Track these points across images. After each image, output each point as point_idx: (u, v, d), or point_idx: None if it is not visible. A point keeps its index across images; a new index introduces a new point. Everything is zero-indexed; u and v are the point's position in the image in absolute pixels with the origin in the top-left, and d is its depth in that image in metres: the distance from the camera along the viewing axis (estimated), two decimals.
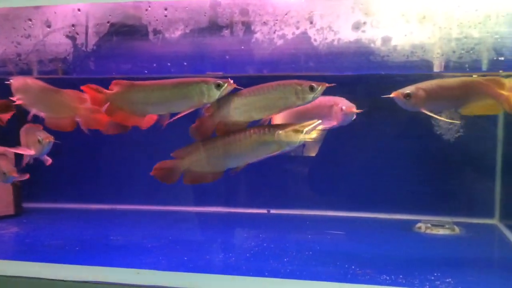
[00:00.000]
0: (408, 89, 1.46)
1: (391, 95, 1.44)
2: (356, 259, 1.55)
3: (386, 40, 1.43)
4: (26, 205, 2.22)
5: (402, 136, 1.86)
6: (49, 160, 1.64)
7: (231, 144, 1.47)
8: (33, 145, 1.59)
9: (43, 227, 1.99)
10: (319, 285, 1.34)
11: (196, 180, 1.52)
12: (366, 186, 2.10)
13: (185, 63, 1.52)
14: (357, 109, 1.52)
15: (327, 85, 1.37)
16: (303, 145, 2.15)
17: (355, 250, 1.67)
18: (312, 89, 1.40)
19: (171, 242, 1.77)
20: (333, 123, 1.57)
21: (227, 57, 1.50)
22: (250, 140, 1.45)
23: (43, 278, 1.42)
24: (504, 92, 1.51)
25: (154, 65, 1.52)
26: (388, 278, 1.39)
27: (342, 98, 1.55)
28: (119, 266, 1.46)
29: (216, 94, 1.43)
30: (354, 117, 1.54)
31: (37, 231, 1.92)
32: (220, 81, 1.42)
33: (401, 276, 1.39)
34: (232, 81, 1.41)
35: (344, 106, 1.53)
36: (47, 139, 1.57)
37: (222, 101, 1.44)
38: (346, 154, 2.09)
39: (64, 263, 1.49)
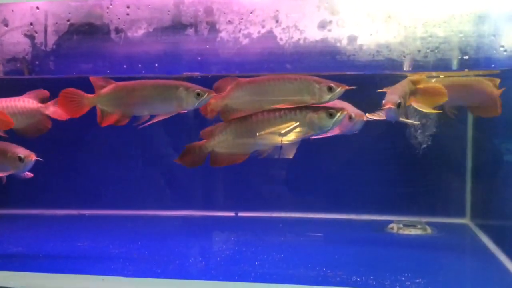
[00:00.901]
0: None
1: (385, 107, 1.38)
2: (327, 261, 1.54)
3: (352, 39, 1.42)
4: None
5: (374, 137, 1.86)
6: (30, 175, 1.60)
7: (259, 124, 1.42)
8: (13, 163, 1.53)
9: (8, 234, 1.92)
10: None
11: (222, 162, 1.46)
12: (338, 187, 2.10)
13: (148, 63, 1.49)
14: None
15: (347, 87, 1.33)
16: (280, 146, 2.14)
17: (327, 252, 1.66)
18: (330, 89, 1.35)
19: (139, 248, 1.73)
20: (337, 131, 1.48)
21: (191, 56, 1.47)
22: (280, 121, 1.39)
23: (5, 287, 1.36)
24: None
25: (116, 64, 1.48)
26: (359, 279, 1.38)
27: (349, 104, 1.47)
28: (84, 273, 1.42)
29: (196, 102, 1.40)
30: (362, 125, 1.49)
31: (2, 237, 1.85)
32: (199, 90, 1.39)
33: (371, 277, 1.39)
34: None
35: (354, 114, 1.45)
36: (29, 157, 1.52)
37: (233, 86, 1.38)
38: (319, 156, 2.08)
39: (27, 271, 1.45)
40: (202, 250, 1.74)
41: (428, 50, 1.42)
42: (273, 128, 1.41)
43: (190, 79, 1.48)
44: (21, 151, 1.51)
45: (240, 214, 2.17)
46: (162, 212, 2.23)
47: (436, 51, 1.42)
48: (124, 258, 1.59)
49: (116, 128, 1.52)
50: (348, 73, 1.49)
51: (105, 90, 1.39)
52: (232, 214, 2.17)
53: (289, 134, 1.42)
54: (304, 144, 2.07)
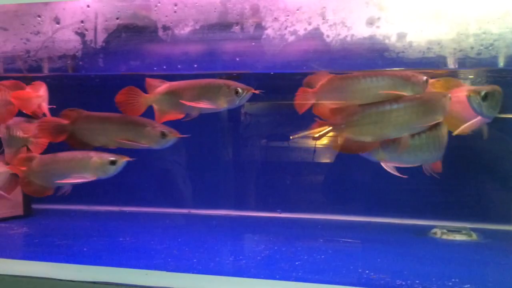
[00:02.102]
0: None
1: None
2: (370, 264, 1.50)
3: (401, 36, 1.39)
4: (35, 206, 2.21)
5: None
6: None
7: (392, 112, 1.40)
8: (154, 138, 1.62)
9: (52, 228, 1.98)
10: None
11: (352, 149, 1.50)
12: (380, 191, 2.06)
13: (195, 61, 1.50)
14: None
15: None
16: (314, 150, 2.13)
17: (369, 255, 1.62)
18: (426, 81, 1.35)
19: (180, 244, 1.74)
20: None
21: (237, 54, 1.47)
22: (416, 105, 1.37)
23: (52, 278, 1.40)
24: None
25: (163, 62, 1.50)
26: (404, 283, 1.34)
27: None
28: (128, 267, 1.44)
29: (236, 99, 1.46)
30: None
31: (46, 231, 1.91)
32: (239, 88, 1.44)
33: (417, 282, 1.35)
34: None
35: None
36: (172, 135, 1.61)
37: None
38: (362, 159, 2.06)
39: (73, 263, 1.48)
40: (241, 248, 1.74)
41: (481, 47, 1.37)
42: (408, 113, 1.38)
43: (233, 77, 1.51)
44: (164, 128, 1.58)
45: (281, 215, 2.17)
46: (200, 211, 2.25)
47: (490, 48, 1.37)
48: (165, 254, 1.60)
49: None
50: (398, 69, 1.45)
51: (159, 89, 1.46)
52: (271, 214, 2.17)
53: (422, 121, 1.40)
54: None
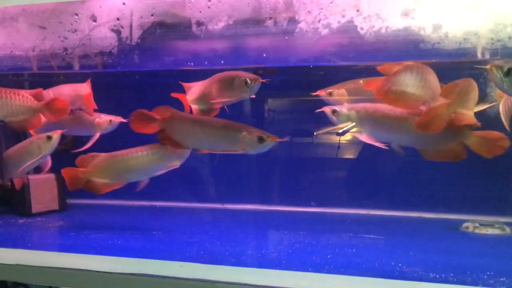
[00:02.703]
0: None
1: None
2: (402, 257, 1.50)
3: (437, 27, 1.37)
4: (69, 201, 2.27)
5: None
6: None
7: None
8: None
9: (86, 222, 2.02)
10: (368, 281, 1.30)
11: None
12: (411, 185, 2.05)
13: (227, 56, 1.52)
14: None
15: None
16: (338, 146, 2.13)
17: (401, 249, 1.61)
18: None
19: (211, 237, 1.77)
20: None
21: (270, 48, 1.48)
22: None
23: (90, 270, 1.44)
24: None
25: (197, 57, 1.52)
26: (437, 276, 1.33)
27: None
28: (162, 259, 1.47)
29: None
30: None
31: (81, 225, 1.95)
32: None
33: (451, 275, 1.34)
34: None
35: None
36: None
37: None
38: (391, 152, 2.04)
39: (108, 255, 1.52)
40: (272, 242, 1.75)
41: None
42: None
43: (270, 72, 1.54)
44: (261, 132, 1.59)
45: (309, 210, 2.17)
46: (229, 205, 2.27)
47: None
48: (198, 247, 1.62)
49: None
50: (434, 60, 1.44)
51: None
52: (299, 209, 2.19)
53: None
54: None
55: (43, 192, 2.11)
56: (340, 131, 2.11)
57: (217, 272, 1.38)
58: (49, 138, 1.69)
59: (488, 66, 1.29)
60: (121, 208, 2.32)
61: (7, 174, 1.82)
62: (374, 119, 1.51)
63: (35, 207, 2.09)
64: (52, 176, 2.14)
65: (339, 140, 2.14)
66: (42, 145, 1.71)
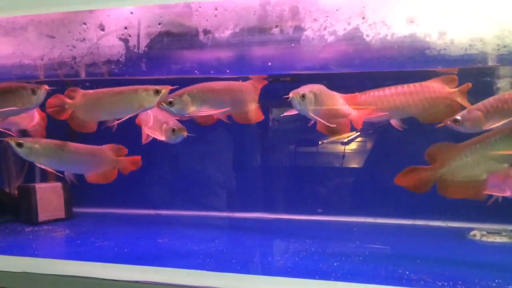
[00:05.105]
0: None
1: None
2: (409, 265, 1.49)
3: (442, 33, 1.38)
4: (75, 209, 2.28)
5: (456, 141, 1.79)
6: None
7: (496, 144, 1.35)
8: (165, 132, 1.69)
9: (93, 230, 2.03)
10: None
11: (454, 192, 1.43)
12: (417, 193, 2.04)
13: (234, 64, 1.53)
14: None
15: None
16: (343, 155, 2.13)
17: (408, 257, 1.60)
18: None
19: (217, 245, 1.77)
20: None
21: (276, 56, 1.49)
22: None
23: (97, 278, 1.44)
24: None
25: (204, 65, 1.53)
26: (446, 284, 1.32)
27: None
28: (169, 267, 1.46)
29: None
30: None
31: (87, 233, 1.96)
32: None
33: (459, 282, 1.33)
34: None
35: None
36: (182, 131, 1.67)
37: None
38: (399, 161, 2.05)
39: (116, 263, 1.52)
40: (278, 250, 1.75)
41: None
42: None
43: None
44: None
45: (315, 218, 2.17)
46: (235, 214, 2.28)
47: None
48: (204, 255, 1.62)
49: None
50: (440, 68, 1.45)
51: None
52: (305, 217, 2.18)
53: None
54: (384, 149, 2.06)
55: (50, 201, 2.12)
56: (345, 140, 2.13)
57: (225, 279, 1.37)
58: (34, 91, 1.62)
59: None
60: (126, 216, 2.33)
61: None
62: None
63: (42, 216, 2.10)
64: (58, 184, 2.15)
65: (344, 149, 2.15)
66: (27, 97, 1.63)
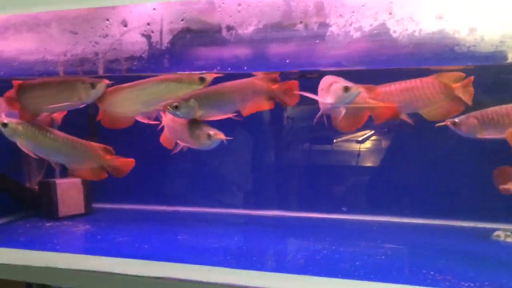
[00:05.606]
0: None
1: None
2: (433, 266, 1.47)
3: (472, 30, 1.34)
4: (95, 205, 2.30)
5: (481, 139, 1.76)
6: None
7: None
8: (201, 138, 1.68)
9: (113, 225, 2.04)
10: None
11: None
12: (440, 193, 2.02)
13: (257, 60, 1.52)
14: None
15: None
16: (358, 154, 2.11)
17: (431, 257, 1.58)
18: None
19: (236, 243, 1.76)
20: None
21: (301, 52, 1.47)
22: None
23: (118, 273, 1.44)
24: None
25: (227, 61, 1.52)
26: (472, 284, 1.30)
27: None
28: (189, 263, 1.46)
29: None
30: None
31: (107, 229, 1.97)
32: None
33: (486, 283, 1.31)
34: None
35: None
36: (217, 136, 1.65)
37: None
38: (420, 159, 2.03)
39: (136, 259, 1.52)
40: (298, 248, 1.73)
41: None
42: None
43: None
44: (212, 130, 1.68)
45: (335, 216, 2.15)
46: (252, 211, 2.27)
47: None
48: (224, 252, 1.62)
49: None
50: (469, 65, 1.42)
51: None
52: (325, 215, 2.17)
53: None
54: (400, 147, 2.04)
55: (70, 196, 2.14)
56: (360, 138, 2.11)
57: (246, 277, 1.37)
58: (93, 85, 1.66)
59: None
60: (144, 212, 2.34)
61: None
62: None
63: (62, 211, 2.12)
64: (78, 180, 2.17)
65: (359, 148, 2.13)
66: (85, 91, 1.67)
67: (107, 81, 1.64)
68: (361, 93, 1.49)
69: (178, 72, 1.59)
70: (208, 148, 1.69)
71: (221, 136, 1.65)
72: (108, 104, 1.72)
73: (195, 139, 1.70)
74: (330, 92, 1.51)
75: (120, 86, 1.70)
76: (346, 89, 1.47)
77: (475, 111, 1.64)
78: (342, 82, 1.49)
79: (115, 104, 1.72)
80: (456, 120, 1.64)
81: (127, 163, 1.84)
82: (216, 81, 1.62)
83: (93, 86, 1.64)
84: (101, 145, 1.82)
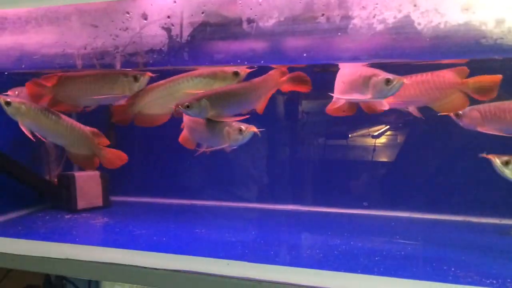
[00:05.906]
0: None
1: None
2: (454, 262, 1.45)
3: (499, 22, 1.31)
4: (113, 198, 2.31)
5: (503, 138, 1.73)
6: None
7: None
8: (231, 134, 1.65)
9: (130, 218, 2.05)
10: (423, 285, 1.26)
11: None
12: (460, 189, 1.99)
13: (277, 53, 1.51)
14: None
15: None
16: (374, 149, 2.09)
17: (451, 253, 1.56)
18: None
19: (254, 237, 1.76)
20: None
21: (322, 44, 1.46)
22: None
23: (136, 266, 1.45)
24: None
25: (248, 54, 1.51)
26: (494, 281, 1.28)
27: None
28: (207, 256, 1.46)
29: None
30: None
31: (125, 221, 1.98)
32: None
33: (509, 280, 1.28)
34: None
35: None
36: (250, 129, 1.62)
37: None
38: (440, 153, 2.00)
39: (154, 251, 1.53)
40: (317, 242, 1.72)
41: None
42: None
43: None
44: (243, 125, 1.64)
45: (351, 211, 2.14)
46: (268, 205, 2.27)
47: None
48: (242, 246, 1.62)
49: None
50: (496, 57, 1.39)
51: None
52: (343, 210, 2.17)
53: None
54: (426, 144, 2.01)
55: (88, 189, 2.16)
56: (376, 133, 2.09)
57: (264, 271, 1.37)
58: (137, 78, 1.67)
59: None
60: (162, 206, 2.35)
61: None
62: None
63: (80, 204, 2.14)
64: (96, 173, 2.19)
65: (375, 143, 2.11)
66: (128, 84, 1.68)
67: (150, 74, 1.65)
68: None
69: (211, 66, 1.60)
70: (239, 144, 1.66)
71: (253, 128, 1.61)
72: (142, 106, 1.73)
73: (225, 137, 1.66)
74: (369, 87, 1.48)
75: (151, 86, 1.70)
76: (388, 81, 1.43)
77: (479, 105, 1.64)
78: (380, 73, 1.47)
79: (148, 105, 1.72)
80: (460, 112, 1.66)
81: (119, 156, 1.85)
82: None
83: (136, 79, 1.64)
84: (96, 130, 1.84)
